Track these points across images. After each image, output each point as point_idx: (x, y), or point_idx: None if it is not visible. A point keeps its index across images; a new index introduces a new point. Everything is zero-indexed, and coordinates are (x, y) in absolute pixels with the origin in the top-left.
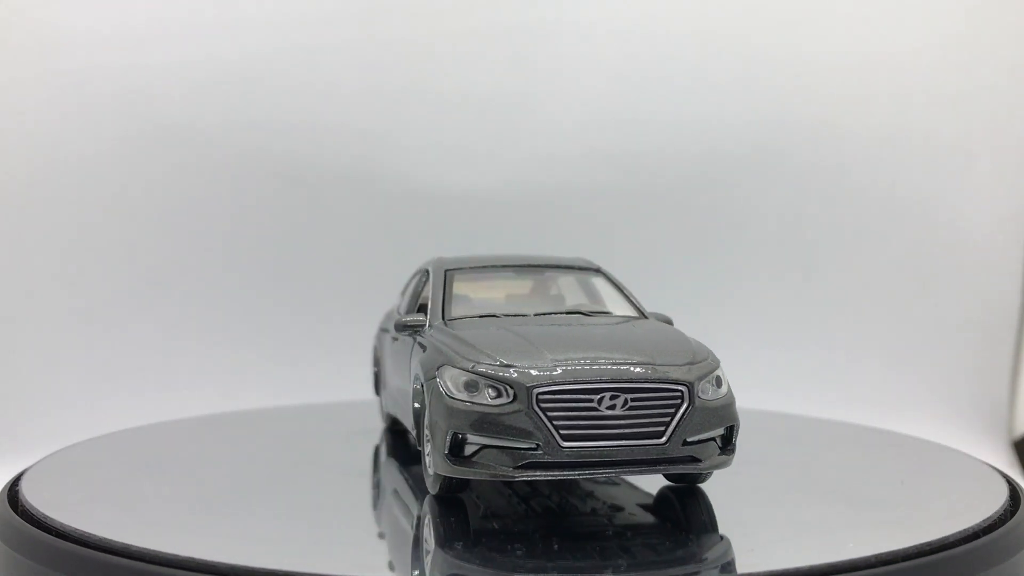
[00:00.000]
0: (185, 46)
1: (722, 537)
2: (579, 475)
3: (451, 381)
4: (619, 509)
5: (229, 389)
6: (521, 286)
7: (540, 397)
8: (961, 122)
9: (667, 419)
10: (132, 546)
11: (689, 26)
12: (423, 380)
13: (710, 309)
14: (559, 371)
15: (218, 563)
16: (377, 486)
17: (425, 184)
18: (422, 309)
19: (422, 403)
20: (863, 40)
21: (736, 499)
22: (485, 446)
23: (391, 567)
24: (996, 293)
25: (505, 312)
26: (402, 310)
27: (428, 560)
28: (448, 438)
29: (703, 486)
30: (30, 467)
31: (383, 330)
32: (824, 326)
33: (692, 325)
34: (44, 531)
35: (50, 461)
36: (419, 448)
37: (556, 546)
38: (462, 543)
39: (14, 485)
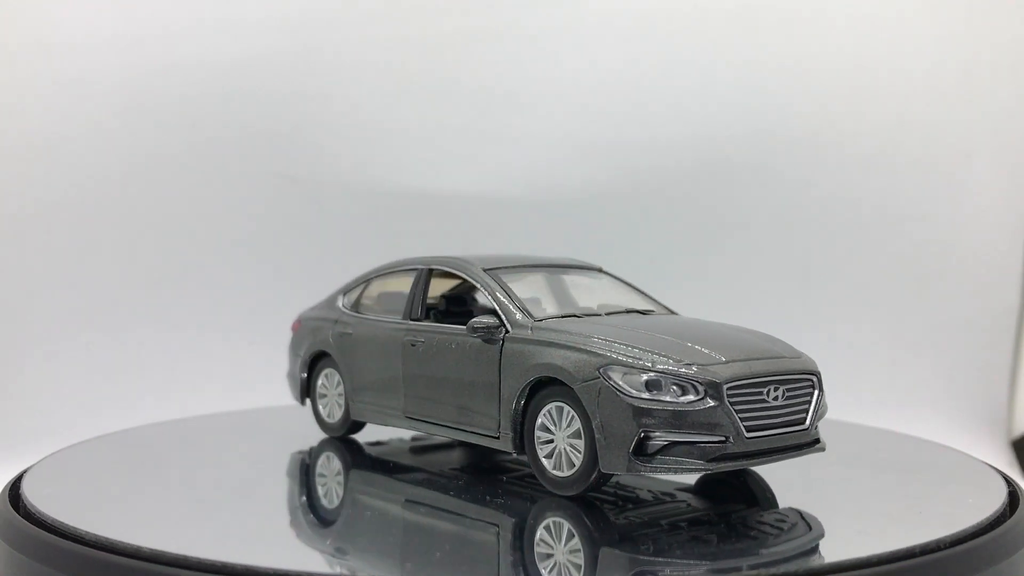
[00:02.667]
0: (185, 47)
1: (801, 514)
2: (757, 464)
3: (626, 381)
4: (671, 495)
5: (229, 389)
6: (554, 285)
7: (728, 392)
8: (961, 123)
9: (807, 406)
10: (132, 545)
11: (689, 28)
12: (579, 381)
13: (710, 309)
14: (738, 367)
15: (218, 562)
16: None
17: (423, 185)
18: (428, 310)
19: (519, 407)
20: (863, 41)
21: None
22: (674, 443)
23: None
24: (996, 293)
25: (582, 311)
26: (378, 310)
27: (565, 559)
28: (636, 437)
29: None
30: (31, 467)
31: (343, 334)
32: (824, 326)
33: None
34: (45, 530)
35: (51, 461)
36: (514, 453)
37: (699, 536)
38: (612, 540)
39: (15, 485)
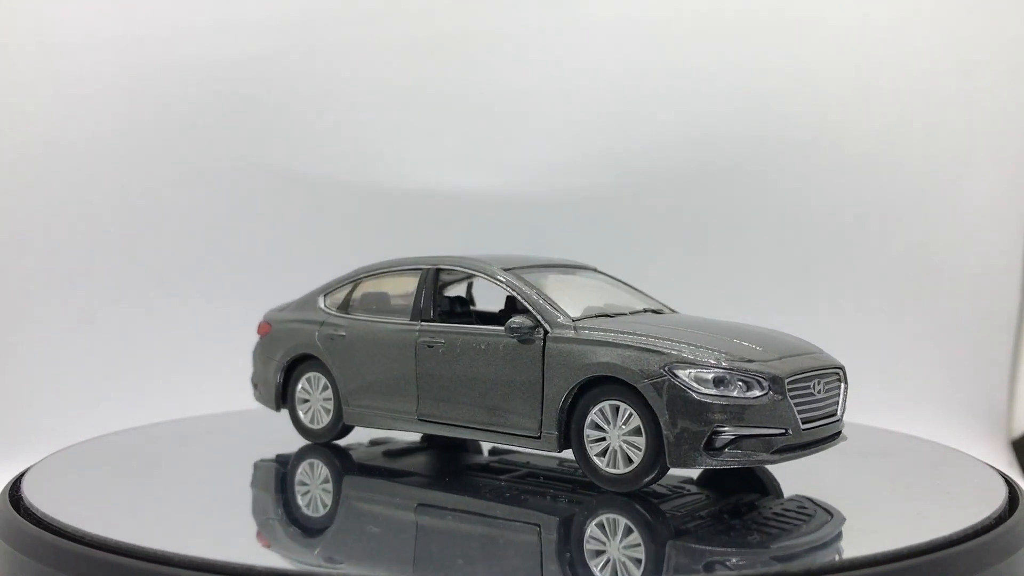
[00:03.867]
0: (186, 46)
1: (813, 501)
2: (807, 455)
3: (693, 378)
4: (682, 488)
5: (229, 389)
6: (563, 285)
7: (788, 386)
8: (961, 122)
9: (837, 398)
10: (132, 545)
11: (689, 28)
12: (643, 380)
13: (710, 309)
14: (792, 362)
15: (218, 562)
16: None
17: (423, 184)
18: (439, 311)
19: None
20: (863, 43)
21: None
22: (741, 436)
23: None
24: (996, 293)
25: (612, 311)
26: (376, 311)
27: (620, 555)
28: (708, 432)
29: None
30: (31, 467)
31: (333, 336)
32: (823, 326)
33: None
34: (45, 530)
35: (51, 461)
36: (557, 452)
37: (744, 524)
38: (672, 533)
39: (16, 484)
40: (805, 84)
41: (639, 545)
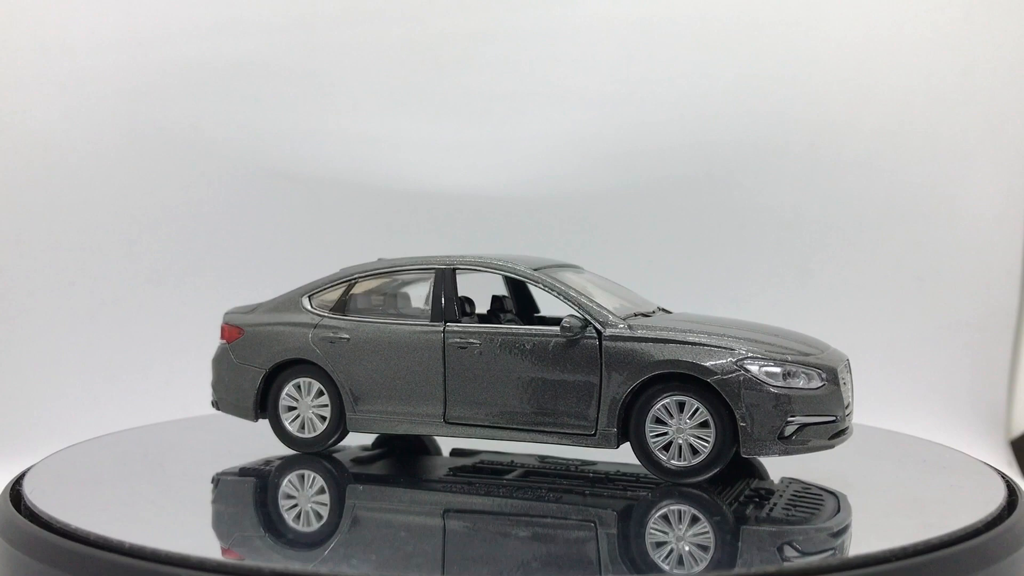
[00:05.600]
0: (186, 47)
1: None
2: (845, 440)
3: (764, 372)
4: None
5: None
6: (583, 285)
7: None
8: (961, 122)
9: (851, 389)
10: (132, 544)
11: (688, 26)
12: (717, 375)
13: (707, 309)
14: (831, 354)
15: (218, 562)
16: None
17: (423, 185)
18: (458, 311)
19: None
20: (862, 42)
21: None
22: (805, 425)
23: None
24: (994, 293)
25: (643, 310)
26: (384, 312)
27: (685, 544)
28: (782, 423)
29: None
30: (32, 466)
31: (335, 339)
32: (822, 325)
33: None
34: (46, 529)
35: (52, 460)
36: (613, 449)
37: (776, 507)
38: (735, 520)
39: (16, 484)
40: (804, 85)
41: (706, 532)
